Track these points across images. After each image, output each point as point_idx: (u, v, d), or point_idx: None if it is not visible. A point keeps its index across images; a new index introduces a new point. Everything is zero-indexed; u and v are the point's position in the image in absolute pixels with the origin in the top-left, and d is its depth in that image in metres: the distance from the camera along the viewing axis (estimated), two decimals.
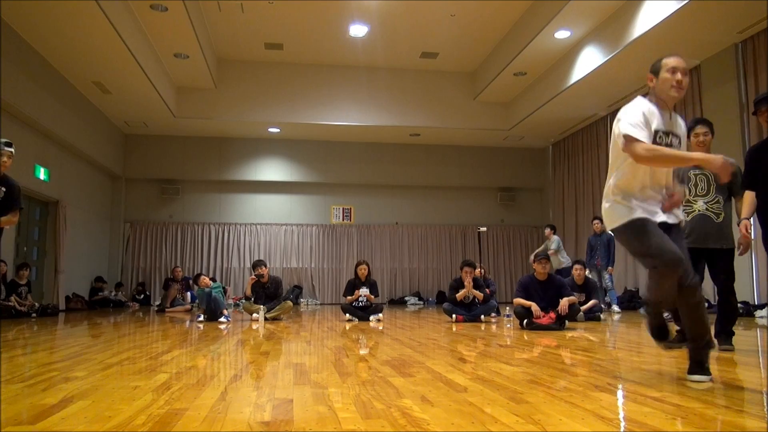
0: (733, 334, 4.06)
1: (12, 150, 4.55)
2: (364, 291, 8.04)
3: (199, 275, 8.58)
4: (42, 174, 9.75)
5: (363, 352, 4.23)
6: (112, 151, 12.66)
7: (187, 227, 13.80)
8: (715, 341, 3.91)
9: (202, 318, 7.81)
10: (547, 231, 10.86)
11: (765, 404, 2.23)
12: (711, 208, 4.07)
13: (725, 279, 4.05)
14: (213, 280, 9.31)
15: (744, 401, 2.27)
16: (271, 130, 13.24)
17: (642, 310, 3.53)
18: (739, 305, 7.46)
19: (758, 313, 7.69)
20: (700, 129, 4.11)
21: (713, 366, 3.30)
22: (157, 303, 12.13)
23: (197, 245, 13.76)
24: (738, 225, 3.92)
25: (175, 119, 12.26)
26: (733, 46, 8.57)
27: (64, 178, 10.67)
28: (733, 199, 4.14)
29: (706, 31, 8.12)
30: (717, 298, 4.16)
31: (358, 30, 10.91)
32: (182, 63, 10.79)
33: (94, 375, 3.00)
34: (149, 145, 13.55)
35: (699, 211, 4.12)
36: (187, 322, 7.56)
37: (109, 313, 9.90)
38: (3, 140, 4.49)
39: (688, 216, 4.17)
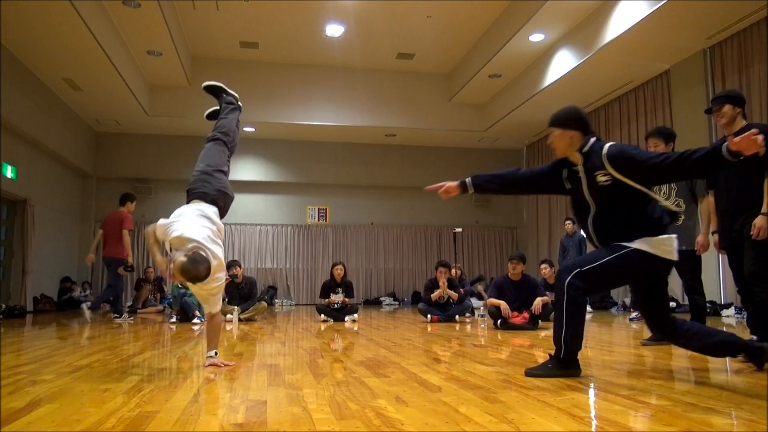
0: None
1: None
2: (338, 297, 7.98)
3: None
4: (9, 172, 9.51)
5: (338, 352, 4.22)
6: (82, 150, 12.40)
7: None
8: None
9: (174, 319, 7.71)
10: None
11: None
12: None
13: (689, 278, 4.18)
14: None
15: (710, 398, 2.32)
16: (246, 129, 13.10)
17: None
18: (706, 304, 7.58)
19: (725, 312, 7.88)
20: (651, 141, 4.40)
21: (683, 365, 3.38)
22: (129, 304, 11.93)
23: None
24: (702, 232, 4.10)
25: (148, 117, 12.06)
26: (702, 51, 8.78)
27: (33, 177, 10.41)
28: (698, 201, 4.27)
29: (676, 36, 8.30)
30: (685, 297, 4.30)
31: (334, 30, 10.87)
32: (155, 60, 10.62)
33: (62, 378, 2.94)
34: (121, 143, 13.30)
35: None
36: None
37: (79, 315, 9.70)
38: None
39: None
